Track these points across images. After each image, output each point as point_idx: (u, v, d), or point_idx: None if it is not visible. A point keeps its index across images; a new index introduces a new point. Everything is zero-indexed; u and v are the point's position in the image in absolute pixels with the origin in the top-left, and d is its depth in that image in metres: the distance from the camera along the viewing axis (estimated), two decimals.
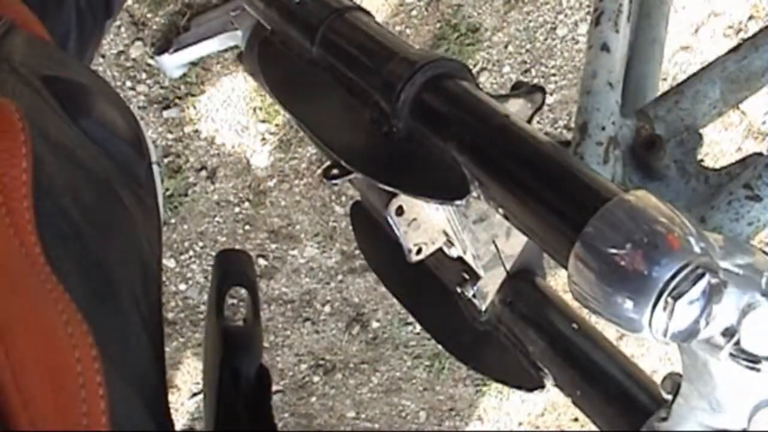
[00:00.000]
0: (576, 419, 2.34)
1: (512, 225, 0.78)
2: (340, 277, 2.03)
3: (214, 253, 1.93)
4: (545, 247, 0.76)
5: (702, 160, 0.98)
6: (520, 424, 2.32)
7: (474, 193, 0.80)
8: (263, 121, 1.83)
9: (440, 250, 1.04)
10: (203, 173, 1.86)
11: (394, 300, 2.04)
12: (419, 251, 1.01)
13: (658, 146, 0.92)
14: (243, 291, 0.83)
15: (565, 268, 0.72)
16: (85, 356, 0.49)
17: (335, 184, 1.91)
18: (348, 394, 2.19)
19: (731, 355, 0.72)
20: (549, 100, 1.91)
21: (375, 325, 2.10)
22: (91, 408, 0.48)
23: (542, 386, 1.01)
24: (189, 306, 2.00)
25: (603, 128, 0.91)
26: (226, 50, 1.68)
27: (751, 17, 2.02)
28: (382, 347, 2.13)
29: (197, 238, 1.93)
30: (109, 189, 0.66)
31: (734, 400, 0.79)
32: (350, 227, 1.95)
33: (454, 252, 1.01)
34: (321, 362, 2.13)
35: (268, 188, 1.91)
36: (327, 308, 2.06)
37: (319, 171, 1.91)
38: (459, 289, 1.04)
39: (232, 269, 0.83)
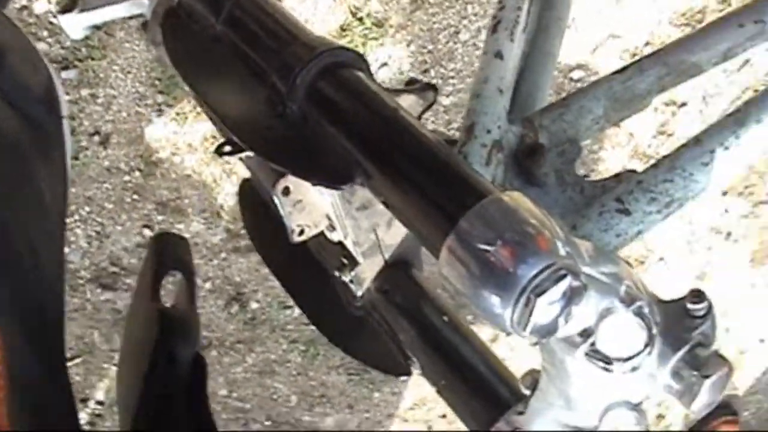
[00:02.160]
0: (444, 416, 2.39)
1: (392, 213, 0.81)
2: (223, 254, 2.04)
3: (99, 219, 1.94)
4: (420, 237, 0.79)
5: (587, 175, 1.03)
6: (390, 416, 2.36)
7: (358, 181, 0.83)
8: (162, 93, 1.84)
9: (322, 233, 1.06)
10: (96, 138, 1.86)
11: (275, 282, 2.06)
12: (302, 232, 1.04)
13: (540, 154, 0.97)
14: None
15: (437, 258, 0.75)
16: None
17: (227, 161, 1.92)
18: (221, 372, 2.20)
19: (586, 354, 0.76)
20: (445, 102, 1.95)
21: (254, 305, 2.12)
22: None
23: (409, 373, 1.04)
24: (70, 270, 1.99)
25: (489, 131, 0.95)
26: (131, 17, 1.68)
27: (647, 43, 2.08)
28: (259, 328, 2.15)
29: (84, 202, 1.93)
30: (17, 153, 0.66)
31: (587, 399, 0.83)
32: (238, 206, 1.97)
33: (335, 236, 1.04)
34: None
35: (160, 160, 1.91)
36: (208, 285, 2.08)
37: (213, 147, 1.92)
38: (337, 273, 1.07)
39: (170, 253, 0.82)
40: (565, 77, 2.00)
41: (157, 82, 1.83)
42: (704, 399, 0.79)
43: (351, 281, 1.06)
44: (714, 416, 2.61)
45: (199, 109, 1.86)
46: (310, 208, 1.03)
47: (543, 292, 0.69)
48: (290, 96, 0.88)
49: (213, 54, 0.97)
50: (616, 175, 0.97)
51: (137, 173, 1.91)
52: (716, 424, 2.63)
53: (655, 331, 0.77)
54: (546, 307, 0.70)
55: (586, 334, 0.76)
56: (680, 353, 0.80)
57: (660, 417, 2.59)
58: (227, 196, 1.97)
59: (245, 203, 1.26)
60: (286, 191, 1.01)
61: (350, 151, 0.83)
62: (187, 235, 1.98)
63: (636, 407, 0.86)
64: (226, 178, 1.95)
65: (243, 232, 2.01)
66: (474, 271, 0.71)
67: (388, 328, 1.06)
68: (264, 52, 0.93)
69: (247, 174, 1.87)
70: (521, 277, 0.69)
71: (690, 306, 0.81)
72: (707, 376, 0.78)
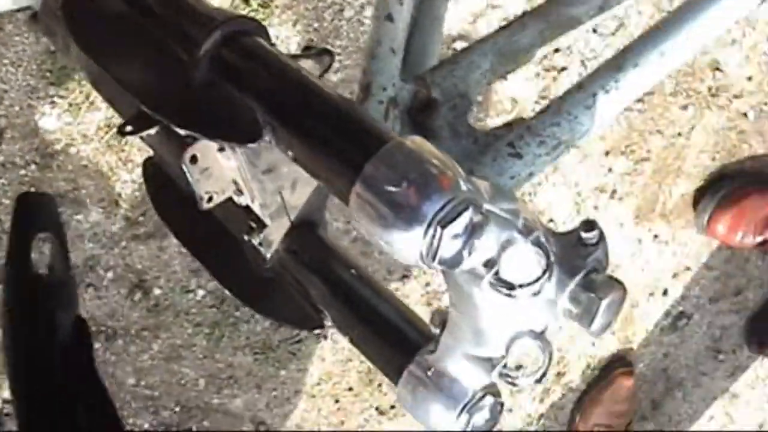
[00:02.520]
0: (350, 388, 2.44)
1: (301, 167, 0.86)
2: (123, 243, 2.06)
3: None
4: (329, 187, 0.84)
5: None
6: (297, 392, 2.40)
7: (266, 138, 0.88)
8: (53, 84, 1.85)
9: (230, 199, 1.10)
10: None
11: (177, 267, 2.10)
12: (210, 199, 1.07)
13: (433, 108, 1.02)
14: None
15: (347, 205, 0.80)
16: None
17: (122, 149, 1.95)
18: (129, 360, 2.22)
19: (491, 283, 0.82)
20: (334, 78, 2.00)
21: (157, 292, 2.14)
22: None
23: (322, 326, 1.09)
24: None
25: (384, 89, 1.01)
26: (18, 10, 1.69)
27: (525, 12, 2.15)
28: (163, 314, 2.17)
29: None
30: None
31: (494, 330, 0.89)
32: (135, 194, 2.00)
33: (242, 200, 1.08)
34: (102, 328, 2.15)
35: (56, 152, 1.92)
36: (110, 274, 2.09)
37: (108, 137, 1.94)
38: (246, 237, 1.11)
39: (37, 213, 0.80)
40: (449, 48, 2.06)
41: (48, 74, 1.84)
42: (602, 320, 0.85)
43: (260, 244, 1.11)
44: (611, 369, 2.72)
45: (92, 98, 1.88)
46: (217, 175, 1.06)
47: (448, 223, 0.74)
48: (195, 65, 0.92)
49: (118, 31, 1.01)
50: (507, 124, 1.03)
51: (33, 166, 1.92)
52: (613, 377, 2.74)
53: (552, 257, 0.83)
54: (451, 239, 0.75)
55: (489, 264, 0.82)
56: (577, 278, 0.86)
57: (560, 375, 2.68)
58: (124, 184, 1.99)
59: (150, 181, 1.30)
60: (194, 159, 1.04)
61: (257, 110, 0.88)
62: (86, 226, 2.00)
63: (540, 336, 0.92)
64: (122, 166, 1.97)
65: (142, 219, 2.03)
66: (383, 213, 0.76)
67: (299, 285, 1.11)
68: (166, 25, 0.97)
69: (141, 159, 1.90)
70: (427, 211, 0.75)
71: (583, 235, 0.87)
72: (603, 298, 0.85)
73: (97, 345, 2.16)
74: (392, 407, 2.52)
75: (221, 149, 1.03)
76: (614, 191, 2.36)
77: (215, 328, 2.22)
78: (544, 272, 0.83)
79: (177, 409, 2.33)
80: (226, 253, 1.17)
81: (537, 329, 0.93)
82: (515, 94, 2.16)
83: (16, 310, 0.75)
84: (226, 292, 2.08)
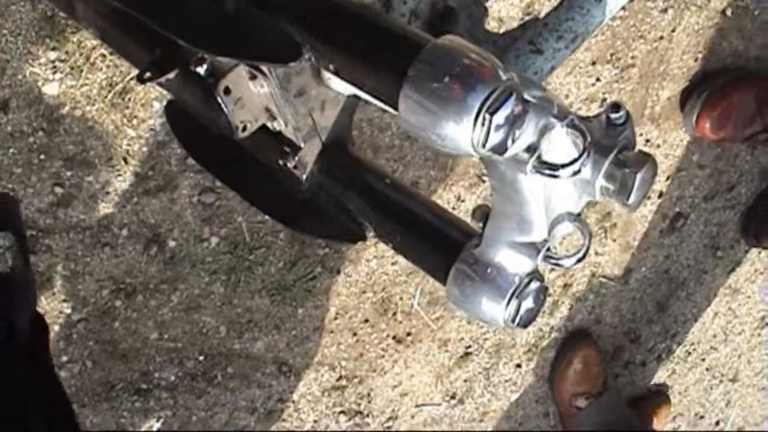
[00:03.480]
0: (366, 320, 2.49)
1: (344, 80, 0.91)
2: (135, 199, 2.10)
3: (10, 185, 1.98)
4: (377, 94, 0.89)
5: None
6: (316, 329, 2.45)
7: (306, 56, 0.93)
8: (53, 49, 1.88)
9: (261, 129, 1.15)
10: None
11: (189, 218, 2.14)
12: (245, 128, 1.12)
13: (452, 17, 1.07)
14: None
15: (396, 109, 0.85)
16: None
17: (126, 107, 1.98)
18: (150, 315, 2.26)
19: (534, 167, 0.87)
20: None
21: (171, 244, 2.18)
22: None
23: (364, 238, 1.14)
24: None
25: (405, 3, 1.06)
26: None
27: None
28: (179, 266, 2.21)
29: None
30: None
31: (538, 214, 0.95)
32: (143, 150, 2.04)
33: (276, 126, 1.13)
34: (122, 286, 2.19)
35: (62, 116, 1.96)
36: (124, 231, 2.13)
37: (111, 96, 1.97)
38: (281, 162, 1.16)
39: None
40: None
41: (47, 40, 1.87)
42: (638, 192, 0.91)
43: (295, 167, 1.16)
44: (570, 345, 2.73)
45: (92, 60, 1.91)
46: (250, 104, 1.11)
47: (495, 111, 0.80)
48: None
49: None
50: (522, 25, 1.08)
51: (41, 133, 1.96)
52: (574, 352, 2.79)
53: (589, 137, 0.88)
54: (500, 124, 0.81)
55: (531, 149, 0.87)
56: (610, 157, 0.91)
57: (567, 286, 2.75)
58: (131, 141, 2.03)
59: (174, 122, 1.34)
60: (227, 91, 1.09)
61: (294, 33, 0.92)
62: (97, 186, 2.04)
63: (578, 218, 0.98)
64: (128, 123, 2.01)
65: (151, 173, 2.07)
66: (432, 109, 0.81)
67: (337, 203, 1.16)
68: None
69: (146, 117, 1.94)
70: (473, 102, 0.80)
71: (611, 116, 0.92)
72: (637, 172, 0.90)
73: (117, 303, 2.21)
74: (408, 334, 2.58)
75: (253, 77, 1.08)
76: (604, 100, 2.41)
77: (231, 273, 2.26)
78: (583, 151, 0.88)
79: (201, 358, 2.38)
80: (261, 182, 1.22)
81: (575, 211, 0.98)
82: (501, 14, 2.20)
83: None
84: (238, 236, 2.14)
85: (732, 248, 3.03)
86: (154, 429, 2.44)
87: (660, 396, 3.22)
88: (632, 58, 2.40)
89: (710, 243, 2.97)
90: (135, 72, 1.95)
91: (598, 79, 2.38)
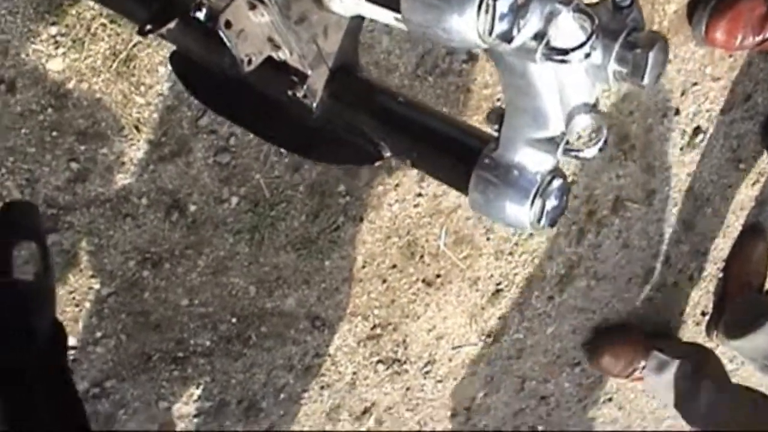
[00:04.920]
0: (394, 266, 2.49)
1: None
2: (151, 167, 2.09)
3: (25, 166, 1.98)
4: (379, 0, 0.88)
5: None
6: (345, 280, 2.45)
7: None
8: (53, 24, 1.88)
9: (266, 62, 1.14)
10: (2, 87, 1.89)
11: (207, 180, 2.13)
12: (250, 62, 1.11)
13: None
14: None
15: (398, 11, 0.84)
16: None
17: (132, 75, 1.97)
18: (178, 282, 2.26)
19: (544, 54, 0.86)
20: None
21: (192, 208, 2.18)
22: None
23: (381, 158, 1.13)
24: None
25: None
26: None
27: None
28: (202, 229, 2.21)
29: (7, 154, 1.96)
30: None
31: (553, 105, 0.94)
32: (153, 116, 2.03)
33: (281, 55, 1.12)
34: (147, 256, 2.19)
35: (69, 91, 1.95)
36: (144, 200, 2.13)
37: (116, 65, 1.97)
38: (290, 92, 1.15)
39: (18, 222, 0.79)
40: None
41: (46, 16, 1.86)
42: (652, 72, 0.90)
43: (304, 96, 1.15)
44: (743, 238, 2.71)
45: (93, 30, 1.90)
46: (252, 36, 1.10)
47: None
48: None
49: None
50: None
51: (50, 110, 1.95)
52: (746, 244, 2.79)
53: (597, 20, 0.87)
54: (504, 13, 0.80)
55: (539, 36, 0.86)
56: (620, 39, 0.90)
57: (591, 213, 2.74)
58: (140, 108, 2.02)
59: (180, 71, 1.33)
60: (228, 24, 1.08)
61: None
62: (112, 158, 2.04)
63: (594, 108, 0.97)
64: (136, 91, 2.00)
65: (164, 139, 2.07)
66: (435, 3, 0.81)
67: (350, 126, 1.15)
68: None
69: (153, 83, 1.93)
70: None
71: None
72: (649, 51, 0.89)
73: (145, 273, 2.21)
74: (438, 276, 2.58)
75: (252, 7, 1.07)
76: None
77: (254, 232, 2.26)
78: (591, 33, 0.87)
79: (234, 320, 2.39)
80: (273, 116, 1.21)
81: (590, 101, 0.97)
82: None
83: None
84: (258, 194, 2.14)
85: (754, 159, 3.01)
86: (195, 396, 2.44)
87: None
88: None
89: (732, 156, 2.95)
90: (137, 39, 1.96)
91: None
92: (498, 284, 2.70)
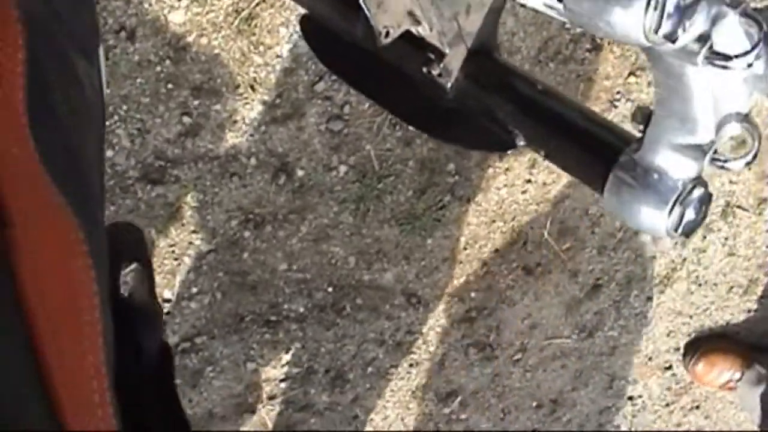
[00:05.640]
0: (497, 250, 2.45)
1: None
2: (263, 128, 2.08)
3: (138, 116, 1.97)
4: None
5: None
6: (445, 260, 2.42)
7: None
8: None
9: (403, 36, 1.11)
10: (122, 34, 1.89)
11: (317, 146, 2.11)
12: (387, 34, 1.08)
13: None
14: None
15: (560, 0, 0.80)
16: (83, 266, 0.52)
17: (252, 33, 1.95)
18: (278, 246, 2.25)
19: (706, 58, 0.81)
20: None
21: (300, 173, 2.16)
22: (89, 308, 0.51)
23: (514, 146, 1.10)
24: (117, 172, 2.04)
25: None
26: None
27: None
28: (308, 195, 2.19)
29: (121, 101, 1.96)
30: (76, 76, 0.66)
31: (705, 112, 0.89)
32: (270, 77, 2.01)
33: (420, 30, 1.09)
34: (250, 217, 2.18)
35: (188, 44, 1.94)
36: (252, 161, 2.12)
37: (237, 22, 1.95)
38: (425, 69, 1.11)
39: (125, 243, 0.80)
40: None
41: None
42: None
43: (440, 75, 1.11)
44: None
45: None
46: (393, 7, 1.07)
47: None
48: None
49: None
50: None
51: (168, 62, 1.95)
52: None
53: (765, 26, 0.82)
54: (672, 12, 0.75)
55: (703, 39, 0.81)
56: None
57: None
58: (258, 68, 2.01)
59: (311, 36, 1.30)
60: None
61: None
62: (225, 115, 2.03)
63: (747, 118, 0.92)
64: (254, 50, 1.99)
65: (278, 101, 2.05)
66: None
67: (485, 110, 1.11)
68: None
69: (273, 45, 1.91)
70: None
71: None
72: None
73: (246, 234, 2.20)
74: (538, 265, 2.53)
75: None
76: None
77: (360, 203, 2.24)
78: (758, 41, 0.82)
79: (330, 289, 2.37)
80: (403, 91, 1.18)
81: (743, 111, 0.92)
82: None
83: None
84: (367, 165, 2.11)
85: None
86: (284, 361, 2.43)
87: None
88: None
89: None
90: None
91: None
92: (598, 279, 2.65)
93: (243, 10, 1.93)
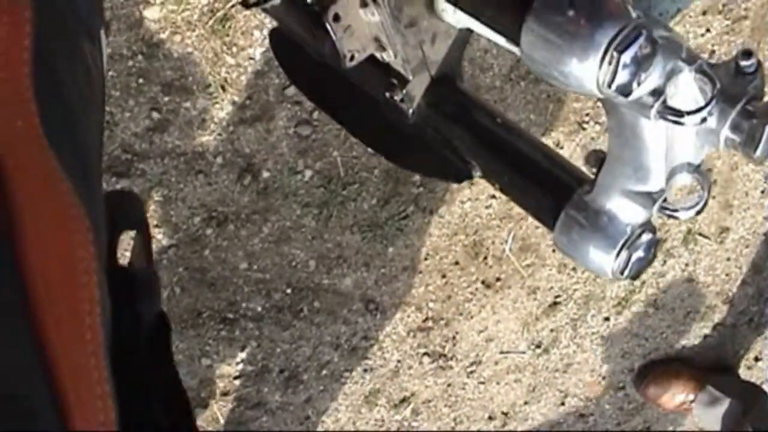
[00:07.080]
0: (456, 262, 2.46)
1: (464, 11, 0.87)
2: (231, 128, 2.08)
3: (107, 108, 1.97)
4: (497, 26, 0.85)
5: None
6: (405, 269, 2.43)
7: None
8: None
9: (368, 60, 1.12)
10: None
11: (284, 149, 2.12)
12: (352, 58, 1.09)
13: None
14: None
15: (518, 44, 0.81)
16: (84, 242, 0.52)
17: (226, 34, 1.96)
18: (240, 245, 2.25)
19: (659, 112, 0.83)
20: None
21: (265, 175, 2.16)
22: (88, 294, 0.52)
23: (470, 177, 1.11)
24: None
25: None
26: None
27: None
28: (272, 197, 2.20)
29: None
30: (83, 57, 0.67)
31: (657, 162, 0.90)
32: (241, 78, 2.02)
33: (385, 56, 1.10)
34: (213, 214, 2.19)
35: (161, 41, 1.94)
36: (219, 159, 2.12)
37: (211, 22, 1.95)
38: (388, 95, 1.12)
39: (123, 211, 0.80)
40: None
41: None
42: (766, 146, 0.86)
43: (402, 100, 1.12)
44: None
45: None
46: (359, 33, 1.08)
47: (624, 49, 0.75)
48: None
49: None
50: None
51: (140, 57, 1.95)
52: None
53: (718, 84, 0.84)
54: (627, 65, 0.76)
55: (656, 93, 0.83)
56: (738, 107, 0.86)
57: (661, 242, 2.68)
58: (230, 69, 2.01)
59: (279, 50, 1.31)
60: (336, 18, 1.06)
61: None
62: (194, 113, 2.03)
63: (698, 169, 0.93)
64: (227, 51, 1.99)
65: (248, 102, 2.05)
66: (557, 44, 0.77)
67: (444, 139, 1.12)
68: None
69: (246, 45, 1.91)
70: (601, 39, 0.76)
71: (741, 63, 0.87)
72: (766, 123, 0.85)
73: (208, 231, 2.20)
74: (498, 279, 2.55)
75: (364, 5, 1.04)
76: (713, 51, 2.33)
77: (323, 208, 2.25)
78: (711, 98, 0.83)
79: (288, 291, 2.37)
80: (366, 113, 1.19)
81: (695, 162, 0.94)
82: None
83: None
84: (332, 171, 2.12)
85: None
86: (239, 358, 2.44)
87: None
88: (745, 9, 2.32)
89: None
90: None
91: (708, 30, 2.30)
92: (556, 297, 2.66)
93: (218, 10, 1.93)
